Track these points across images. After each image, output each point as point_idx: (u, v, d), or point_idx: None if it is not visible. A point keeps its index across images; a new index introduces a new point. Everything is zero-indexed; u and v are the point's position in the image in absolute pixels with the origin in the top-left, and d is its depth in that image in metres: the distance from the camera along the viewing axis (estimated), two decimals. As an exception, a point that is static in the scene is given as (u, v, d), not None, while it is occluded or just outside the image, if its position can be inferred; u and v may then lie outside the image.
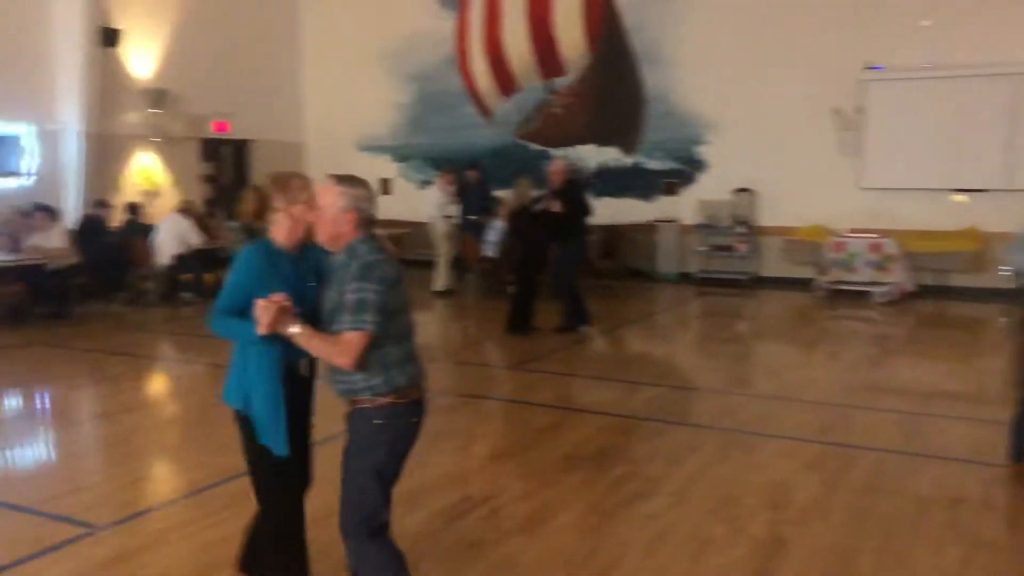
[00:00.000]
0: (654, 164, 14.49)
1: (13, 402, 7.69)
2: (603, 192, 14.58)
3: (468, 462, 5.77)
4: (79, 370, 8.65)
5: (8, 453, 6.17)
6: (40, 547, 4.32)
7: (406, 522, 4.62)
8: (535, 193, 10.29)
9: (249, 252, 3.45)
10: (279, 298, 3.12)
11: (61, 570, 4.08)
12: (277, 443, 3.38)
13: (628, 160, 14.65)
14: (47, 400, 7.79)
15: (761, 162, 13.51)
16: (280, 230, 3.44)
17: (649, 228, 14.26)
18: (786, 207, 13.36)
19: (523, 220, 9.94)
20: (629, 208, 14.48)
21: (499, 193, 12.97)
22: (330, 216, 3.19)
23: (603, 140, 14.71)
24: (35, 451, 6.40)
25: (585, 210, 9.96)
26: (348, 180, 3.24)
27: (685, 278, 14.14)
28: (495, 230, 12.59)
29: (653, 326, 11.71)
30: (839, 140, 13.04)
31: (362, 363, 3.12)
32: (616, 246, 13.88)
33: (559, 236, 9.75)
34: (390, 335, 3.17)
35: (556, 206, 9.58)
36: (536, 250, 9.89)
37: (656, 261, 14.32)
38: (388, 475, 3.27)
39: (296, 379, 3.46)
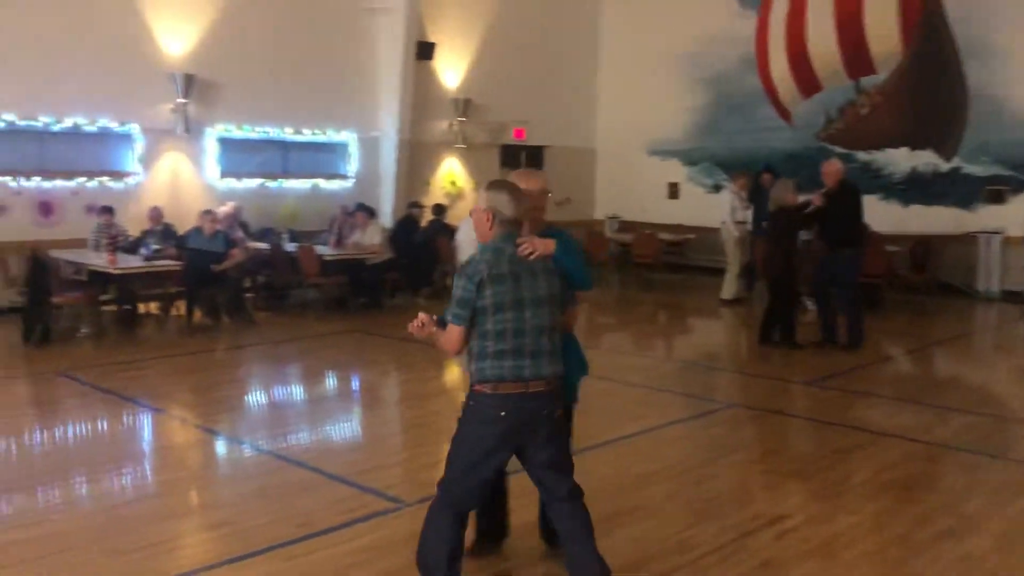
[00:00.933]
0: (976, 169, 13.10)
1: (332, 382, 8.52)
2: (913, 199, 13.47)
3: (760, 477, 5.52)
4: (388, 356, 9.41)
5: (327, 428, 6.83)
6: (354, 516, 4.72)
7: (694, 532, 4.52)
8: (803, 197, 9.67)
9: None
10: (424, 318, 3.53)
11: (372, 539, 4.41)
12: None
13: (944, 165, 13.37)
14: (360, 382, 8.55)
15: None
16: None
17: (967, 240, 12.89)
18: None
19: (781, 224, 9.34)
20: (944, 217, 13.22)
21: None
22: (476, 217, 3.59)
23: (917, 143, 13.54)
24: (349, 427, 7.04)
25: (859, 215, 9.25)
26: (492, 184, 3.60)
27: (1010, 296, 12.64)
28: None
29: (968, 347, 10.58)
30: None
31: (464, 351, 3.49)
32: (927, 258, 12.70)
33: (831, 242, 9.14)
34: (487, 330, 3.42)
35: (819, 200, 9.01)
36: (796, 256, 9.31)
37: (974, 276, 12.93)
38: (471, 457, 3.48)
39: None
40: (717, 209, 13.19)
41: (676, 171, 16.40)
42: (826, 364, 8.67)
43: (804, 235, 9.81)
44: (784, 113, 14.85)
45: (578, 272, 3.71)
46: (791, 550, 4.35)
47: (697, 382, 8.42)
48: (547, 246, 3.55)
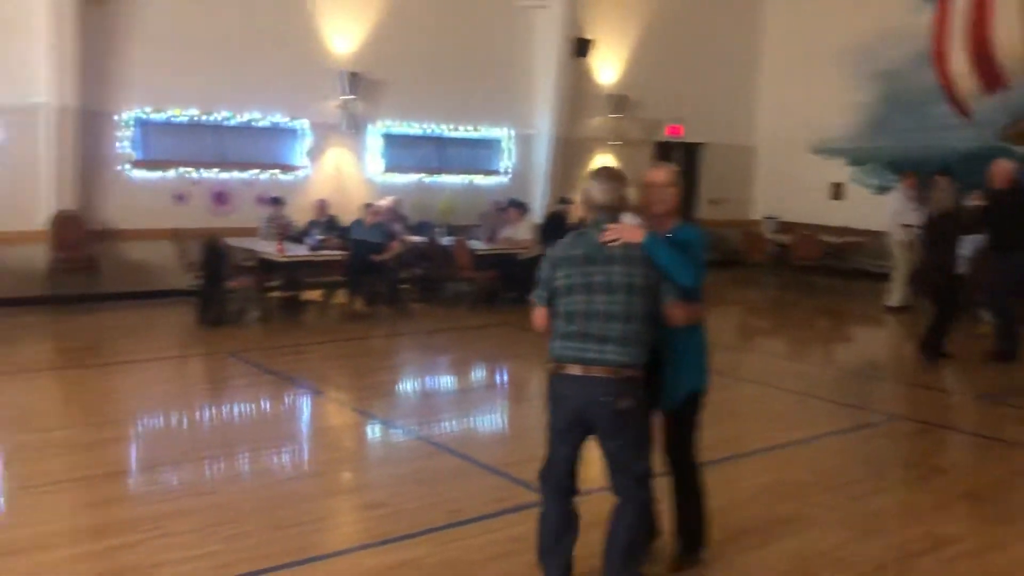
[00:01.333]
0: None
1: (481, 373, 8.65)
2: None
3: (926, 495, 5.18)
4: (536, 351, 9.33)
5: (476, 417, 6.94)
6: (503, 506, 4.77)
7: (854, 548, 4.29)
8: (971, 199, 8.96)
9: None
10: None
11: (521, 530, 4.42)
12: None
13: None
14: (508, 375, 8.64)
15: None
16: None
17: None
18: None
19: (941, 228, 8.67)
20: None
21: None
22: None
23: (1114, 143, 12.39)
24: (497, 419, 7.13)
25: None
26: (591, 172, 3.76)
27: None
28: (967, 242, 11.18)
29: None
30: None
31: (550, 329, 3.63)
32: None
33: (998, 246, 8.52)
34: (558, 311, 3.56)
35: (977, 199, 8.34)
36: (955, 262, 8.65)
37: None
38: (553, 435, 3.61)
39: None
40: (886, 211, 12.51)
41: (840, 171, 15.67)
42: (1002, 378, 8.09)
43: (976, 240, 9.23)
44: (963, 111, 13.91)
45: (672, 267, 3.51)
46: (963, 576, 4.07)
47: (858, 391, 8.02)
48: (633, 234, 3.50)
